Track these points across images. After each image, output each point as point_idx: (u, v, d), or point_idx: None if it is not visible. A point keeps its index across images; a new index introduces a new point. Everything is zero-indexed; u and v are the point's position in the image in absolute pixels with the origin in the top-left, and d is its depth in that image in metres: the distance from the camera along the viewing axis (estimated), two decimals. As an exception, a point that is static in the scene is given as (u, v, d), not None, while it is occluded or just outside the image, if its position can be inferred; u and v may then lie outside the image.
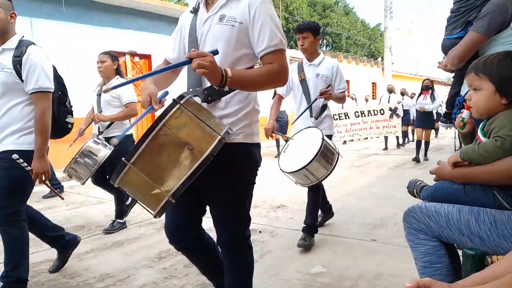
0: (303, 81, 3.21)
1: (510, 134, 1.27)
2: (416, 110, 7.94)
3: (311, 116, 3.20)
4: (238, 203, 1.65)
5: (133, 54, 9.13)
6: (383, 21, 18.79)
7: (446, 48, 2.10)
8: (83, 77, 8.01)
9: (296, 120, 3.23)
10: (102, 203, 4.94)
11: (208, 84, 1.54)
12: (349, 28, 31.55)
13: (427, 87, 7.66)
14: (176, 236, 1.70)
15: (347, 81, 18.05)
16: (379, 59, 22.70)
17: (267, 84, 1.57)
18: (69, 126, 2.55)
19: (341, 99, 3.31)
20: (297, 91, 3.28)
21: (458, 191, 1.44)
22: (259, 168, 1.72)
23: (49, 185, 2.51)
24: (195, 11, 1.66)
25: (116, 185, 1.38)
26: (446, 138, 13.24)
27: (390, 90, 10.33)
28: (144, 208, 1.41)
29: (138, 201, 1.42)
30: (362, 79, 19.13)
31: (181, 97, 1.38)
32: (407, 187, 1.74)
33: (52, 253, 3.10)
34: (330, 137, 3.10)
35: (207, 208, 1.72)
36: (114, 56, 3.74)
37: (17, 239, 2.22)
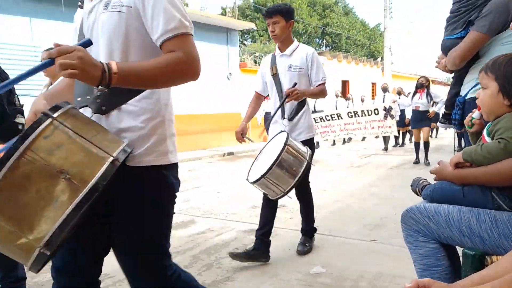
0: (275, 76, 2.78)
1: None
2: (413, 110, 7.63)
3: (283, 118, 2.75)
4: (147, 246, 1.29)
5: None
6: (383, 21, 18.79)
7: (446, 49, 2.10)
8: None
9: (270, 123, 2.84)
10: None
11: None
12: (349, 28, 31.57)
13: (422, 85, 7.36)
14: (74, 281, 1.28)
15: (346, 82, 18.14)
16: (379, 59, 22.72)
17: (170, 78, 1.21)
18: (19, 127, 2.19)
19: (318, 94, 2.81)
20: (271, 88, 2.86)
21: (457, 192, 1.43)
22: (176, 195, 1.37)
23: None
24: (81, 3, 1.35)
25: None
26: (446, 138, 13.24)
27: (385, 89, 10.15)
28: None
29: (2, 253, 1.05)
30: (361, 79, 19.15)
31: (55, 108, 1.05)
32: (411, 185, 1.74)
33: (51, 254, 3.10)
34: (309, 141, 2.77)
35: None
36: None
37: None
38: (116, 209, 1.26)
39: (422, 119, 7.35)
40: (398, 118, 10.21)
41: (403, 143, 11.04)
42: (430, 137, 13.59)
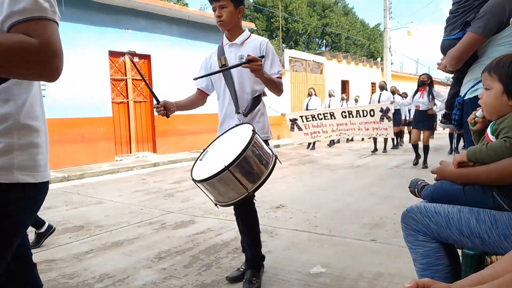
0: (223, 66, 2.39)
1: None
2: (415, 109, 7.22)
3: (237, 112, 2.33)
4: None
5: (132, 54, 9.13)
6: (383, 21, 18.79)
7: (445, 49, 2.10)
8: (83, 77, 8.01)
9: (220, 124, 2.44)
10: (102, 203, 4.94)
11: None
12: (349, 28, 31.56)
13: (423, 83, 6.92)
14: None
15: (346, 82, 18.14)
16: (379, 59, 22.72)
17: (14, 63, 0.90)
18: None
19: (274, 85, 2.32)
20: (219, 82, 2.45)
21: (457, 191, 1.43)
22: (19, 223, 1.10)
23: None
24: None
25: None
26: (444, 138, 13.24)
27: (382, 87, 9.68)
28: None
29: None
30: (361, 79, 19.15)
31: None
32: (409, 187, 1.74)
33: (51, 254, 3.10)
34: (266, 142, 2.28)
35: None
36: None
37: None
38: None
39: (422, 119, 6.97)
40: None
41: (397, 144, 10.71)
42: (431, 137, 13.68)
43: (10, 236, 1.07)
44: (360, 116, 8.56)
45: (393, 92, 10.30)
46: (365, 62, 19.79)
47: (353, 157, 9.11)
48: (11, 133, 1.01)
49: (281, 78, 2.39)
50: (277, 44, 21.99)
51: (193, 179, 1.94)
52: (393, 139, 10.14)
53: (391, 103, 8.67)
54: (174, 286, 2.45)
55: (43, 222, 3.27)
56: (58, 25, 1.00)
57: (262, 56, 2.19)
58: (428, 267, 1.44)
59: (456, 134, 8.87)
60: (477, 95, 1.60)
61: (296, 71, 14.90)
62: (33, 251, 3.21)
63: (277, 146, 11.36)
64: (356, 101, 13.12)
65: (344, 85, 18.00)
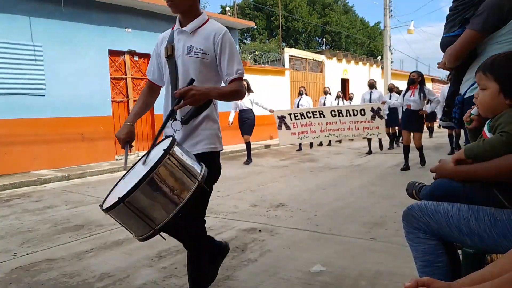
0: (170, 59, 1.93)
1: None
2: (406, 108, 6.72)
3: (172, 119, 1.87)
4: None
5: (132, 53, 9.13)
6: (383, 20, 18.77)
7: (444, 46, 2.11)
8: (83, 77, 8.01)
9: (162, 126, 1.89)
10: (102, 203, 4.94)
11: None
12: (349, 26, 31.53)
13: (414, 81, 6.49)
14: None
15: (346, 80, 18.13)
16: (379, 57, 22.70)
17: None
18: None
19: (230, 96, 1.91)
20: (164, 74, 2.04)
21: (457, 188, 1.43)
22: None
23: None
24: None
25: None
26: (444, 137, 13.23)
27: (372, 85, 9.32)
28: None
29: None
30: (361, 78, 19.14)
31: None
32: (406, 189, 1.74)
33: (51, 253, 3.11)
34: (210, 156, 1.90)
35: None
36: None
37: None
38: None
39: (413, 120, 6.50)
40: (386, 117, 9.52)
41: (392, 146, 10.35)
42: (430, 137, 13.59)
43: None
44: (350, 115, 8.29)
45: (391, 89, 10.04)
46: (365, 60, 19.78)
47: (353, 156, 9.11)
48: None
49: (242, 78, 1.93)
50: (277, 43, 21.96)
51: (99, 205, 1.62)
52: (392, 138, 9.97)
53: (382, 103, 8.42)
54: (174, 285, 2.45)
55: None
56: None
57: (192, 80, 1.77)
58: (428, 264, 1.44)
59: (455, 133, 8.89)
60: None
61: (296, 69, 14.90)
62: (33, 250, 3.22)
63: (277, 145, 11.31)
64: (351, 99, 12.75)
65: (344, 84, 17.99)
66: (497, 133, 1.32)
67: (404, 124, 6.76)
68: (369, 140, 9.09)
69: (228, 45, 1.90)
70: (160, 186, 1.53)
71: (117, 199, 1.47)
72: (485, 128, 1.41)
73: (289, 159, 8.87)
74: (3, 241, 3.44)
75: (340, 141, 11.93)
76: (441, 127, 13.87)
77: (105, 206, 1.57)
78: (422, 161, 6.99)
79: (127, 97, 9.14)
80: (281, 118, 8.95)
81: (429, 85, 24.28)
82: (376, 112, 8.03)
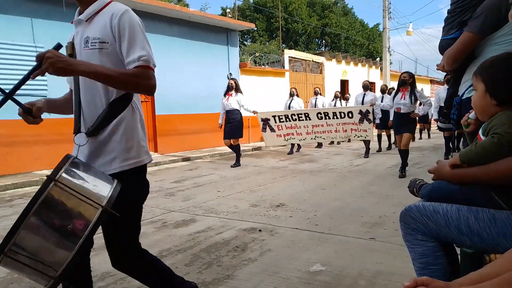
0: (70, 56, 1.60)
1: (508, 131, 1.29)
2: (395, 112, 6.33)
3: (75, 132, 1.57)
4: None
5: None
6: (382, 21, 18.81)
7: (443, 49, 2.13)
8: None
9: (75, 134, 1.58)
10: (102, 203, 4.95)
11: None
12: (348, 28, 31.55)
13: (405, 83, 6.06)
14: None
15: (345, 81, 18.15)
16: (378, 59, 22.73)
17: None
18: None
19: (120, 82, 1.47)
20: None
21: (455, 191, 1.44)
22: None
23: None
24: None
25: None
26: (443, 138, 13.23)
27: (366, 87, 9.05)
28: None
29: None
30: (360, 79, 19.13)
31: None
32: (408, 187, 1.75)
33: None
34: (134, 171, 1.60)
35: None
36: None
37: None
38: None
39: (403, 123, 6.11)
40: (378, 121, 9.40)
41: (389, 147, 10.30)
42: (428, 138, 13.56)
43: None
44: (337, 118, 8.08)
45: (383, 90, 9.78)
46: (364, 62, 19.80)
47: (352, 156, 9.13)
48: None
49: (147, 67, 1.50)
50: (277, 45, 21.99)
51: None
52: (367, 142, 9.45)
53: (371, 105, 8.19)
54: (175, 284, 2.46)
55: None
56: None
57: (59, 46, 1.44)
58: (426, 266, 1.44)
59: (456, 134, 8.87)
60: None
61: (295, 71, 14.93)
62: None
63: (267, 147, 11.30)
64: (347, 99, 12.52)
65: (344, 85, 18.01)
66: (489, 135, 1.34)
67: (396, 128, 6.32)
68: (365, 142, 8.83)
69: (128, 27, 1.50)
70: (46, 226, 1.24)
71: None
72: (480, 132, 1.44)
73: (289, 159, 8.89)
74: (4, 241, 3.45)
75: (332, 143, 11.82)
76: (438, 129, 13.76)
77: None
78: (402, 171, 6.18)
79: (128, 98, 9.15)
80: (265, 121, 8.55)
81: (427, 87, 24.36)
82: (364, 115, 7.80)
